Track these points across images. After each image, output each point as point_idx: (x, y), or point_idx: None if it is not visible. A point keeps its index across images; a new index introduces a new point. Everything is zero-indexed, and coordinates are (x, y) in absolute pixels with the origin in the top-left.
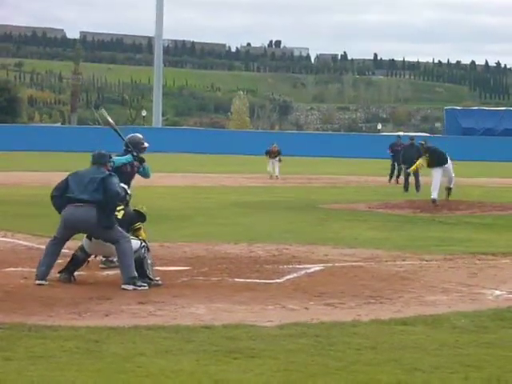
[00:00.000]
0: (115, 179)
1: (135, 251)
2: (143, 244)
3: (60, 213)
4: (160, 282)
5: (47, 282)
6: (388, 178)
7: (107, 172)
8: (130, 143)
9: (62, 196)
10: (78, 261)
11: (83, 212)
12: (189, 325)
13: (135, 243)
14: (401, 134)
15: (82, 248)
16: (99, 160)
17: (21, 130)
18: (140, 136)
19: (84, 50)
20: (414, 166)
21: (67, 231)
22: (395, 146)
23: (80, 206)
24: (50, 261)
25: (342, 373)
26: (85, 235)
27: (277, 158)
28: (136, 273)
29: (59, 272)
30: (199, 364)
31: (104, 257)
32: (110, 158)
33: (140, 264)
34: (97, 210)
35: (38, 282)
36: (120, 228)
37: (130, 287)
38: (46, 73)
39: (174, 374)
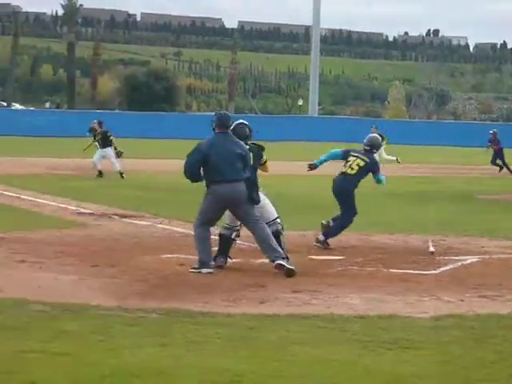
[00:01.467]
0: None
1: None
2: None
3: (197, 181)
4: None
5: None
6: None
7: (246, 146)
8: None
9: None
10: (226, 240)
11: (236, 188)
12: (343, 314)
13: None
14: None
15: (224, 226)
16: (227, 123)
17: (178, 118)
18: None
19: (242, 40)
20: None
21: (219, 210)
22: (492, 143)
23: (232, 183)
24: (210, 246)
25: (497, 366)
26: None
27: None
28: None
29: (214, 257)
30: (353, 354)
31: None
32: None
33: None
34: (246, 186)
35: (209, 270)
36: None
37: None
38: (204, 62)
39: (326, 364)
